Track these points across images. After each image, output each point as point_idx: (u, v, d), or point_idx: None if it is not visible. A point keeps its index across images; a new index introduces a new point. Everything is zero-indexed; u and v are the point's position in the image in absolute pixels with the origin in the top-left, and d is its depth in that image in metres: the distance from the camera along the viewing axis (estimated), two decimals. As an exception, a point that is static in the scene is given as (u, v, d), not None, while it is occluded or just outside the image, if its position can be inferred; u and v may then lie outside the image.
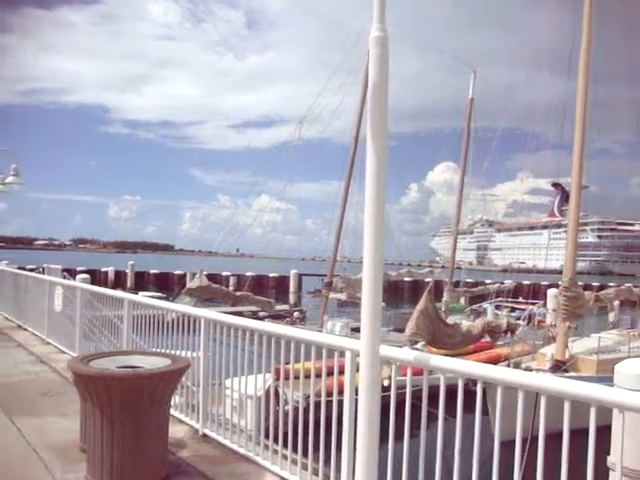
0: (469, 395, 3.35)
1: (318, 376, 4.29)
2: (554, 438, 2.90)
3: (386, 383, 3.72)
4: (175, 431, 5.63)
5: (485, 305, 28.57)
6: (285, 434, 4.68)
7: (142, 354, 5.21)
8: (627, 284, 24.26)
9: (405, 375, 3.67)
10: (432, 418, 3.54)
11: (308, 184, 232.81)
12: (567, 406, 2.86)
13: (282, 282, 50.17)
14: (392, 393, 3.75)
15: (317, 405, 4.31)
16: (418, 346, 11.76)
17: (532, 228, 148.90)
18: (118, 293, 8.02)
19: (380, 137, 3.31)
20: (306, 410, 4.47)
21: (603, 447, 2.92)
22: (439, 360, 3.55)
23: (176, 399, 6.01)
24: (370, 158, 3.31)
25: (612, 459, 2.94)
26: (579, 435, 2.85)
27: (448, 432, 3.44)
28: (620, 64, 21.95)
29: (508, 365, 13.98)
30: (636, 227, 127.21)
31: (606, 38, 19.47)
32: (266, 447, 4.94)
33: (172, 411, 5.83)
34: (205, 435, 5.69)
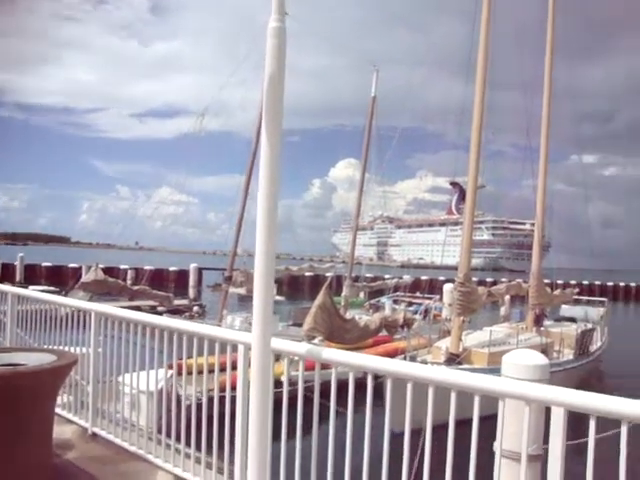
0: (366, 388, 3.35)
1: (222, 370, 4.21)
2: (447, 427, 2.98)
3: (284, 378, 3.70)
4: (62, 431, 5.36)
5: (383, 300, 29.18)
6: (180, 430, 4.57)
7: (26, 351, 4.91)
8: (518, 280, 25.35)
9: (309, 370, 3.64)
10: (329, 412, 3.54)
11: (211, 177, 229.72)
12: (453, 396, 2.97)
13: (182, 276, 49.31)
14: (284, 388, 3.73)
15: (215, 400, 4.23)
16: (316, 341, 11.81)
17: (431, 225, 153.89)
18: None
19: (275, 130, 3.25)
20: (202, 406, 4.38)
21: (494, 434, 3.03)
22: (331, 353, 3.55)
23: (64, 398, 5.75)
24: (264, 151, 3.25)
25: (497, 444, 3.06)
26: (467, 424, 2.93)
27: (344, 425, 3.43)
28: (514, 72, 22.96)
29: (404, 358, 14.31)
30: (527, 226, 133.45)
31: (502, 45, 20.28)
32: (159, 443, 4.79)
33: (59, 410, 5.56)
34: (95, 434, 5.44)
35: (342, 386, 3.43)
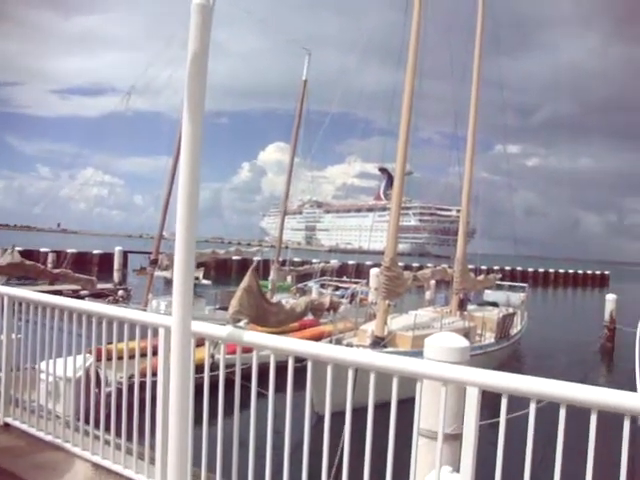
0: (294, 371, 3.36)
1: (142, 355, 4.12)
2: (381, 408, 3.02)
3: (209, 361, 3.66)
4: (-31, 424, 5.11)
5: (311, 284, 29.30)
6: (100, 417, 4.45)
7: None
8: (443, 265, 25.90)
9: (233, 353, 3.61)
10: (257, 396, 3.54)
11: (139, 158, 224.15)
12: (372, 377, 3.04)
13: (106, 259, 47.90)
14: (205, 371, 3.69)
15: (140, 386, 4.11)
16: (241, 324, 11.71)
17: (359, 210, 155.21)
18: None
19: (196, 110, 3.17)
20: (123, 392, 4.26)
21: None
22: (252, 336, 3.54)
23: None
24: (186, 132, 3.16)
25: (422, 425, 3.14)
26: (401, 405, 3.01)
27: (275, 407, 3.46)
28: (444, 61, 23.35)
29: (330, 341, 14.41)
30: (453, 213, 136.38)
31: (433, 35, 20.54)
32: (77, 431, 4.64)
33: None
34: (7, 425, 5.21)
35: (268, 370, 3.42)
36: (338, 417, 3.18)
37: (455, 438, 3.17)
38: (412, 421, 3.08)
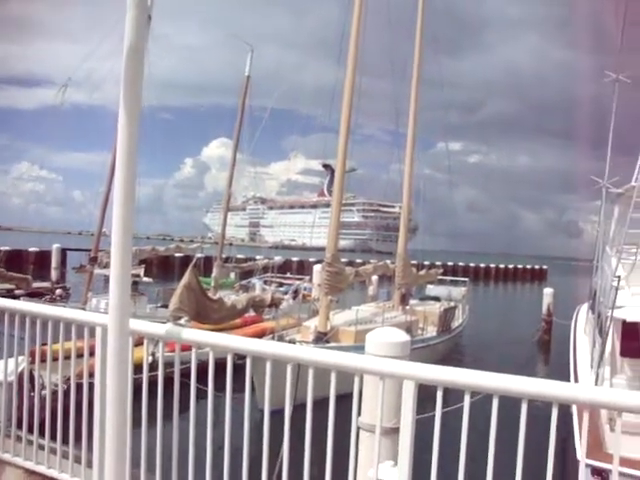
0: (234, 369, 3.34)
1: (79, 356, 4.01)
2: (326, 403, 3.03)
3: (150, 360, 3.59)
4: None
5: (254, 280, 29.18)
6: (34, 422, 4.30)
7: None
8: (386, 261, 26.15)
9: (173, 351, 3.55)
10: (199, 394, 3.48)
11: (78, 153, 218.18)
12: (311, 372, 3.05)
13: (43, 257, 46.48)
14: (144, 371, 3.63)
15: (78, 387, 4.01)
16: (182, 321, 11.61)
17: (303, 207, 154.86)
18: None
19: (133, 104, 3.09)
20: (63, 394, 4.14)
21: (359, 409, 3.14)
22: (191, 334, 3.51)
23: None
24: (122, 126, 3.08)
25: (362, 419, 3.16)
26: (344, 400, 3.02)
27: (215, 406, 3.41)
28: (385, 58, 23.53)
29: (273, 338, 14.40)
30: (396, 209, 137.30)
31: (374, 32, 20.69)
32: (8, 436, 4.48)
33: None
34: None
35: (204, 368, 3.37)
36: (282, 413, 3.19)
37: (396, 432, 3.22)
38: (356, 415, 3.11)
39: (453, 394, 2.81)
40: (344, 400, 3.04)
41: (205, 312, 12.52)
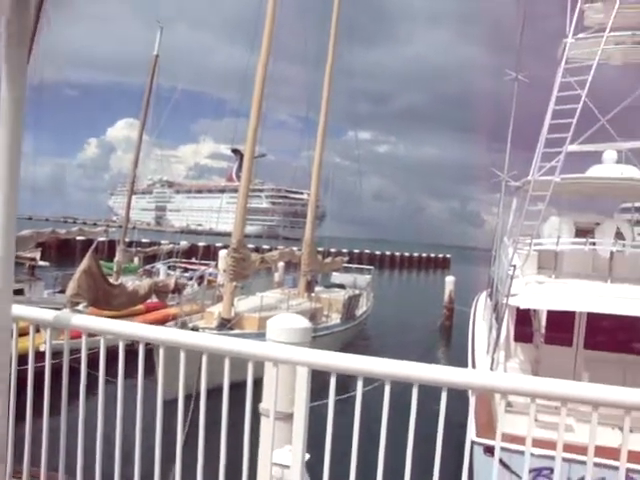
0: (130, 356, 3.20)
1: None
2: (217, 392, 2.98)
3: (42, 348, 3.38)
4: None
5: (159, 265, 28.57)
6: None
7: None
8: (293, 247, 26.20)
9: (75, 338, 3.33)
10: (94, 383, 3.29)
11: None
12: (204, 359, 2.98)
13: None
14: (30, 360, 3.42)
15: None
16: (80, 307, 11.20)
17: (211, 191, 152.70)
18: None
19: (17, 76, 2.86)
20: None
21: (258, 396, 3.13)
22: (82, 320, 3.32)
23: None
24: (5, 101, 2.85)
25: (262, 405, 3.13)
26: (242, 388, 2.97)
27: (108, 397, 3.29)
28: (299, 45, 23.47)
29: (176, 324, 14.13)
30: (305, 196, 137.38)
31: (288, 18, 20.53)
32: None
33: None
34: None
35: (114, 356, 3.21)
36: (175, 402, 3.07)
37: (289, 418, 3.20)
38: (250, 401, 3.06)
39: (366, 381, 2.77)
40: (238, 388, 2.97)
41: (105, 298, 12.12)
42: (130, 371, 3.24)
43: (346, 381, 2.83)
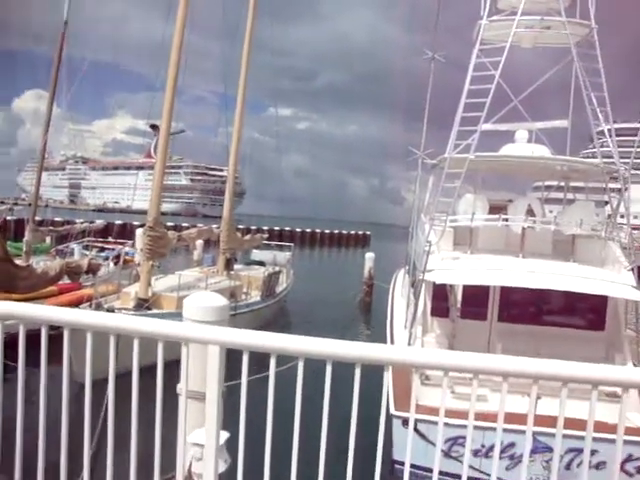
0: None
1: None
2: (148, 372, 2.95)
3: None
4: None
5: (73, 245, 27.62)
6: None
7: None
8: (213, 225, 25.82)
9: None
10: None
11: None
12: (112, 340, 2.90)
13: None
14: None
15: None
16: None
17: (128, 168, 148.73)
18: None
19: None
20: None
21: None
22: None
23: None
24: None
25: (179, 385, 3.09)
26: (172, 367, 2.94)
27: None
28: (218, 18, 23.01)
29: (90, 306, 13.72)
30: (225, 173, 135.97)
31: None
32: None
33: None
34: None
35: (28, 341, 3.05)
36: (101, 385, 3.02)
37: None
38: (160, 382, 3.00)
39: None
40: (172, 367, 2.97)
41: (10, 280, 11.61)
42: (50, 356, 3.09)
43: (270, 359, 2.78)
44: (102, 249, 27.53)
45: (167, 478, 3.18)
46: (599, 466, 6.78)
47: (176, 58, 16.84)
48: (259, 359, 2.83)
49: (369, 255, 31.77)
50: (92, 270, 14.97)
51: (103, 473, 3.06)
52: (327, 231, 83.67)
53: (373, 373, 2.73)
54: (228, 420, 3.06)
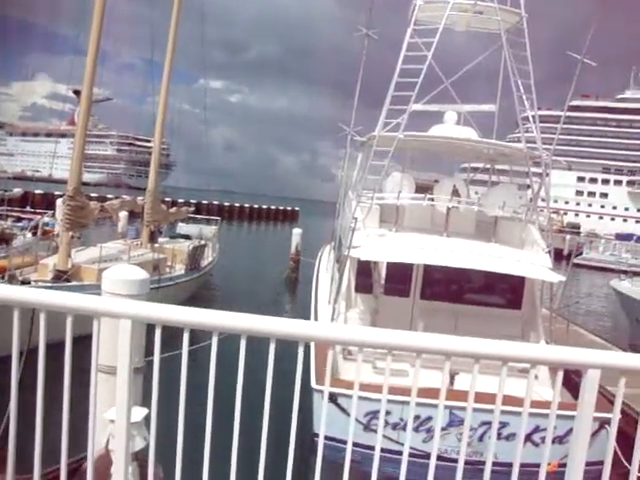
0: None
1: None
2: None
3: None
4: None
5: (-16, 214, 26.43)
6: None
7: None
8: (139, 197, 25.22)
9: None
10: None
11: None
12: (16, 314, 2.71)
13: None
14: None
15: None
16: None
17: (50, 135, 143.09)
18: None
19: None
20: None
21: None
22: None
23: None
24: None
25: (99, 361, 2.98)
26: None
27: None
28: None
29: (2, 278, 13.17)
30: (152, 144, 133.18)
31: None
32: None
33: None
34: None
35: None
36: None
37: (136, 372, 3.02)
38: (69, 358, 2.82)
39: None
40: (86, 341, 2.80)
41: None
42: None
43: (197, 333, 2.68)
44: (19, 219, 26.46)
45: (80, 457, 3.13)
46: (509, 438, 7.07)
47: (99, 20, 16.15)
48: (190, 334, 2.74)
49: (296, 231, 31.86)
50: (5, 240, 14.29)
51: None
52: (256, 206, 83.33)
53: (297, 349, 2.69)
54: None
